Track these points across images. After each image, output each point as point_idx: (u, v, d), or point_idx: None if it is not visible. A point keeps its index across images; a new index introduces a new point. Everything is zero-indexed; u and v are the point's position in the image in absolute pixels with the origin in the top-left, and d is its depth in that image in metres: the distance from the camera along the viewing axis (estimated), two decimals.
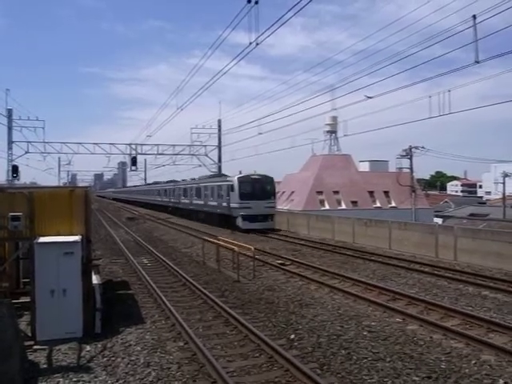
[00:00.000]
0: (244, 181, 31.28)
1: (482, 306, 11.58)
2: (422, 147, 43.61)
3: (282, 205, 50.45)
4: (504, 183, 60.14)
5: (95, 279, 10.83)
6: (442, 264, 17.64)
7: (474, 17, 14.89)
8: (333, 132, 72.87)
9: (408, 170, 46.01)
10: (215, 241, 19.68)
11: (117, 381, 7.40)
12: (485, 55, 15.30)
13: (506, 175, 59.84)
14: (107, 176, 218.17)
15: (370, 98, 22.06)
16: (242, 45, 15.93)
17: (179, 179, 56.22)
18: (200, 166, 51.25)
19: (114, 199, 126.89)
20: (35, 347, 8.85)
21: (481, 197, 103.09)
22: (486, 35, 15.67)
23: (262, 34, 14.70)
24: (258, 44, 15.09)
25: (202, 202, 38.81)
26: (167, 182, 59.78)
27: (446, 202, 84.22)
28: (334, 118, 68.11)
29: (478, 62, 15.41)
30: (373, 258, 19.24)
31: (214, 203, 35.18)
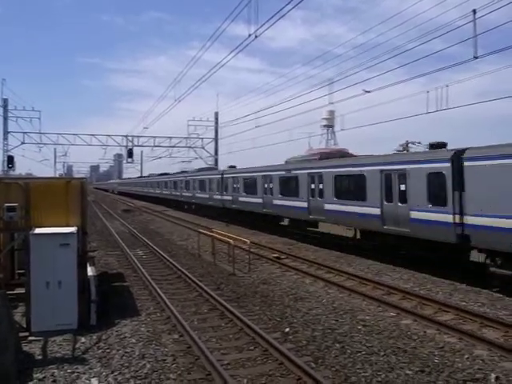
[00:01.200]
0: None
1: (476, 301, 11.65)
2: (419, 142, 43.69)
3: None
4: None
5: (90, 271, 10.85)
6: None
7: (474, 11, 14.83)
8: (330, 126, 72.98)
9: None
10: (210, 233, 19.69)
11: (112, 372, 7.42)
12: (484, 51, 15.20)
13: None
14: (103, 168, 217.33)
15: (368, 92, 22.01)
16: (241, 37, 15.87)
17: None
18: (196, 158, 51.26)
19: (119, 193, 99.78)
20: (30, 338, 8.84)
21: None
22: (486, 30, 15.64)
23: (262, 26, 14.63)
24: (256, 36, 15.01)
25: None
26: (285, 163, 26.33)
27: None
28: (331, 113, 68.17)
29: (476, 58, 15.37)
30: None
31: None
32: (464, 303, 11.43)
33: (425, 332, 9.38)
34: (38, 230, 9.47)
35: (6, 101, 42.31)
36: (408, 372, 7.40)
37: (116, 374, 7.38)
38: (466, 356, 8.07)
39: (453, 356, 8.08)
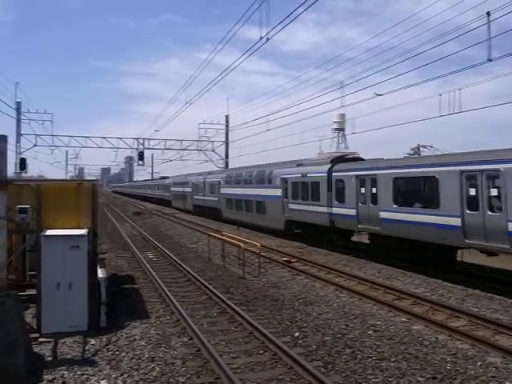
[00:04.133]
0: None
1: (489, 307, 11.48)
2: (431, 146, 43.26)
3: None
4: None
5: (101, 273, 10.85)
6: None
7: (488, 14, 14.65)
8: (341, 129, 72.70)
9: None
10: (221, 237, 19.68)
11: (121, 375, 7.41)
12: (498, 53, 14.93)
13: None
14: (113, 171, 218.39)
15: (380, 95, 21.92)
16: (253, 40, 15.94)
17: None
18: (207, 161, 51.43)
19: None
20: (40, 340, 8.87)
21: None
22: (500, 33, 15.34)
23: (273, 28, 14.66)
24: (268, 39, 15.04)
25: None
26: None
27: None
28: (342, 116, 67.88)
29: (490, 60, 15.18)
30: None
31: None
32: (477, 309, 11.27)
33: (436, 338, 9.25)
34: (49, 232, 9.53)
35: (19, 104, 42.87)
36: (419, 379, 7.29)
37: (125, 376, 7.38)
38: (479, 363, 7.93)
39: (465, 363, 7.94)
